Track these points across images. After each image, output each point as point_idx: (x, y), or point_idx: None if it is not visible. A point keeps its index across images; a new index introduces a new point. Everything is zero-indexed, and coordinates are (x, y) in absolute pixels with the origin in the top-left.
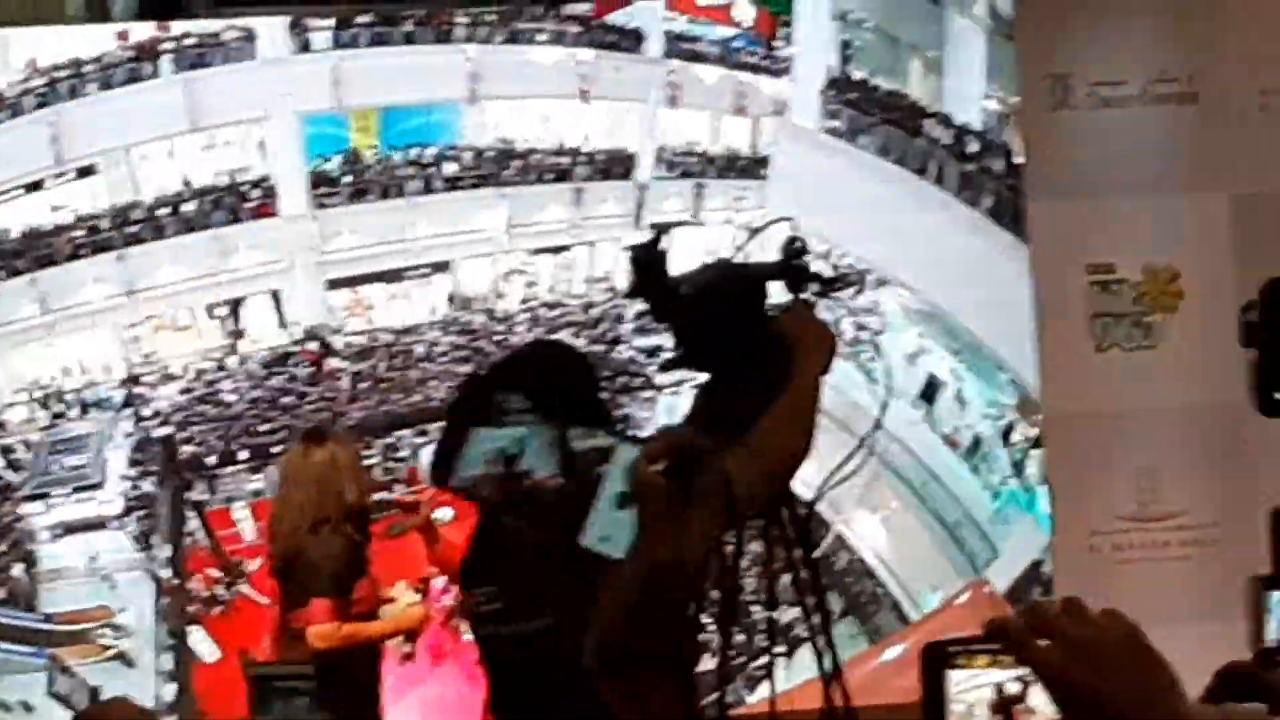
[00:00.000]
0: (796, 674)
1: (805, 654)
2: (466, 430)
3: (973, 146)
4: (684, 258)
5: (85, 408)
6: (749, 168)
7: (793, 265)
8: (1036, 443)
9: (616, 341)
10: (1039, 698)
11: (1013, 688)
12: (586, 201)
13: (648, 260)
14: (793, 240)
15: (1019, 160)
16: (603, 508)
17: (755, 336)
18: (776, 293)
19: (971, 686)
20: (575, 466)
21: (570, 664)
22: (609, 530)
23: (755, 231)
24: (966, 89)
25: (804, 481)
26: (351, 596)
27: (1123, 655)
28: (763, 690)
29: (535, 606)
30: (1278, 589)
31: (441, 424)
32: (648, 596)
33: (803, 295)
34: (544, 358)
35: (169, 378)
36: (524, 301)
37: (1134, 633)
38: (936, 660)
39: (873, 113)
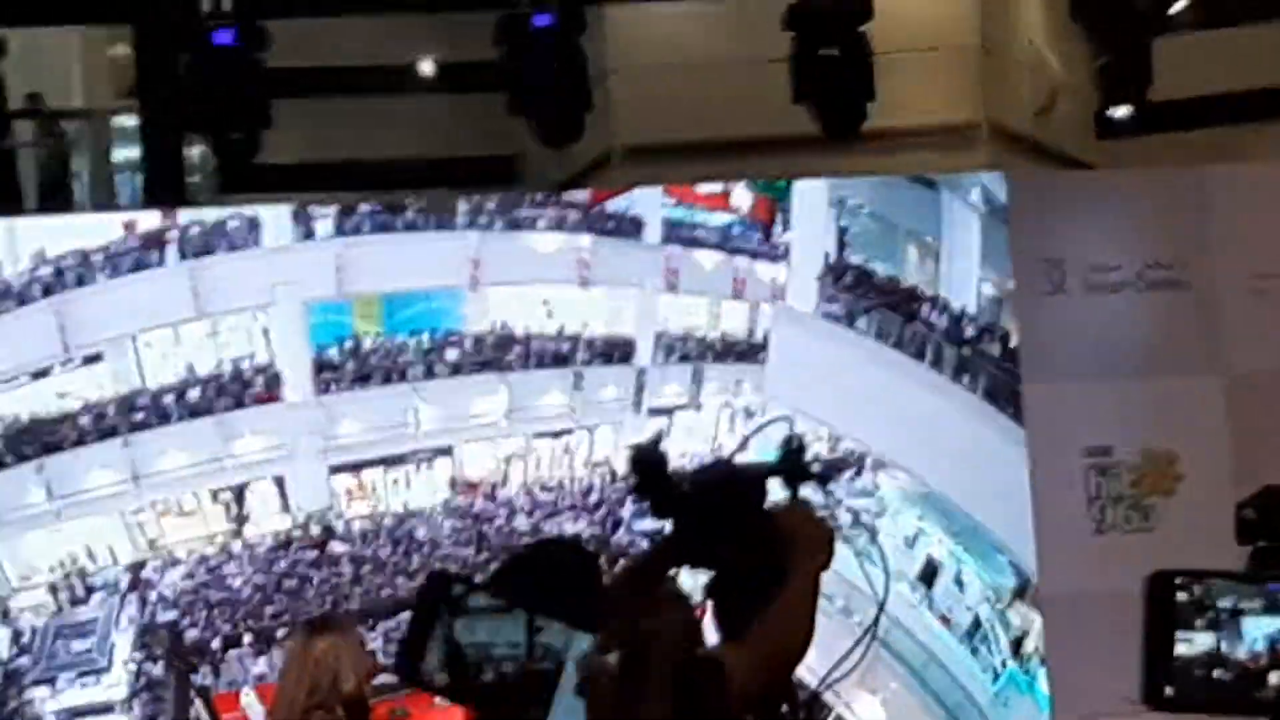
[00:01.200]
0: None
1: None
2: (433, 622)
3: (969, 330)
4: (683, 441)
5: (91, 593)
6: (747, 352)
7: (791, 463)
8: (1035, 625)
9: (617, 525)
10: None
11: None
12: (586, 386)
13: (649, 460)
14: (790, 439)
15: (1015, 344)
16: (563, 697)
17: (754, 534)
18: (776, 489)
19: None
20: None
21: None
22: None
23: (754, 431)
24: (962, 273)
25: (807, 668)
26: None
27: None
28: None
29: None
30: None
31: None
32: None
33: (801, 491)
34: (540, 555)
35: (174, 562)
36: (524, 485)
37: None
38: None
39: (870, 297)
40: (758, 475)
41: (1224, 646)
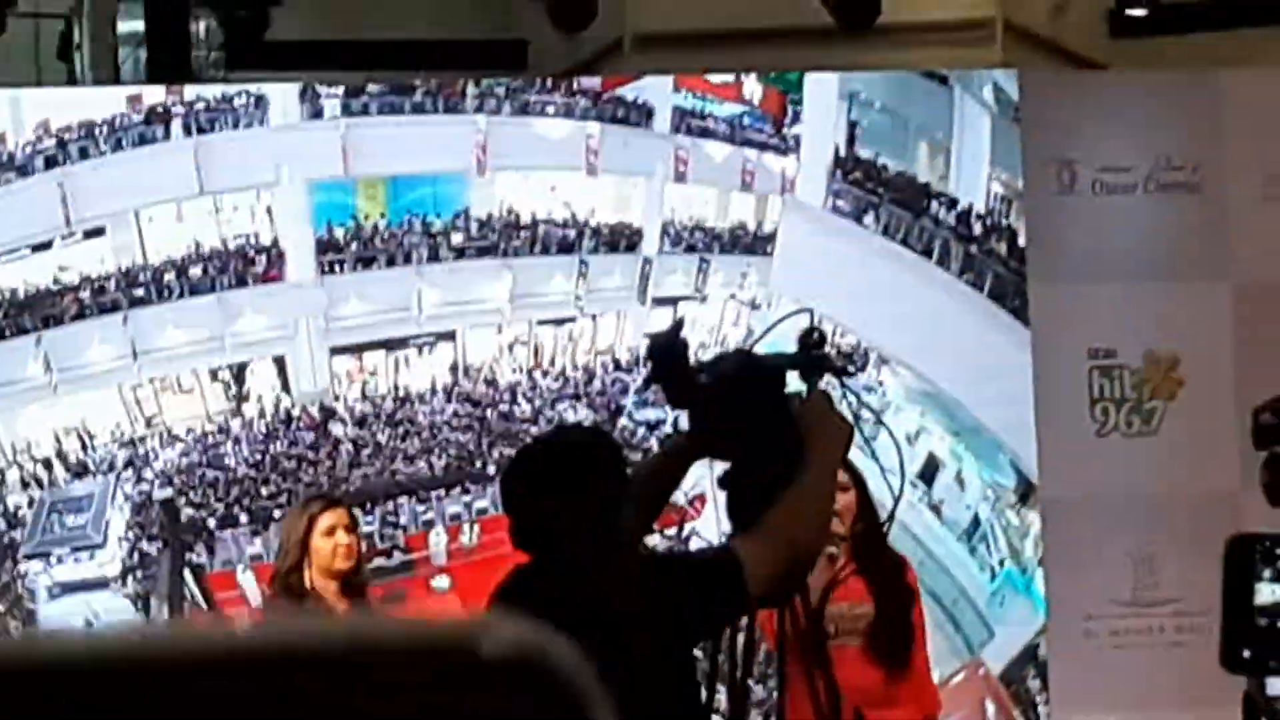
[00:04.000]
0: None
1: None
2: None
3: (977, 228)
4: (688, 332)
5: (87, 468)
6: (754, 244)
7: (811, 356)
8: (1034, 526)
9: (618, 414)
10: None
11: None
12: (591, 274)
13: (667, 348)
14: (811, 331)
15: (1023, 244)
16: None
17: (773, 426)
18: (794, 381)
19: None
20: None
21: None
22: None
23: (776, 322)
24: (972, 171)
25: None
26: None
27: None
28: None
29: None
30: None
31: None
32: None
33: (819, 384)
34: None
35: (171, 440)
36: (526, 372)
37: None
38: None
39: (879, 192)
40: (776, 366)
41: None
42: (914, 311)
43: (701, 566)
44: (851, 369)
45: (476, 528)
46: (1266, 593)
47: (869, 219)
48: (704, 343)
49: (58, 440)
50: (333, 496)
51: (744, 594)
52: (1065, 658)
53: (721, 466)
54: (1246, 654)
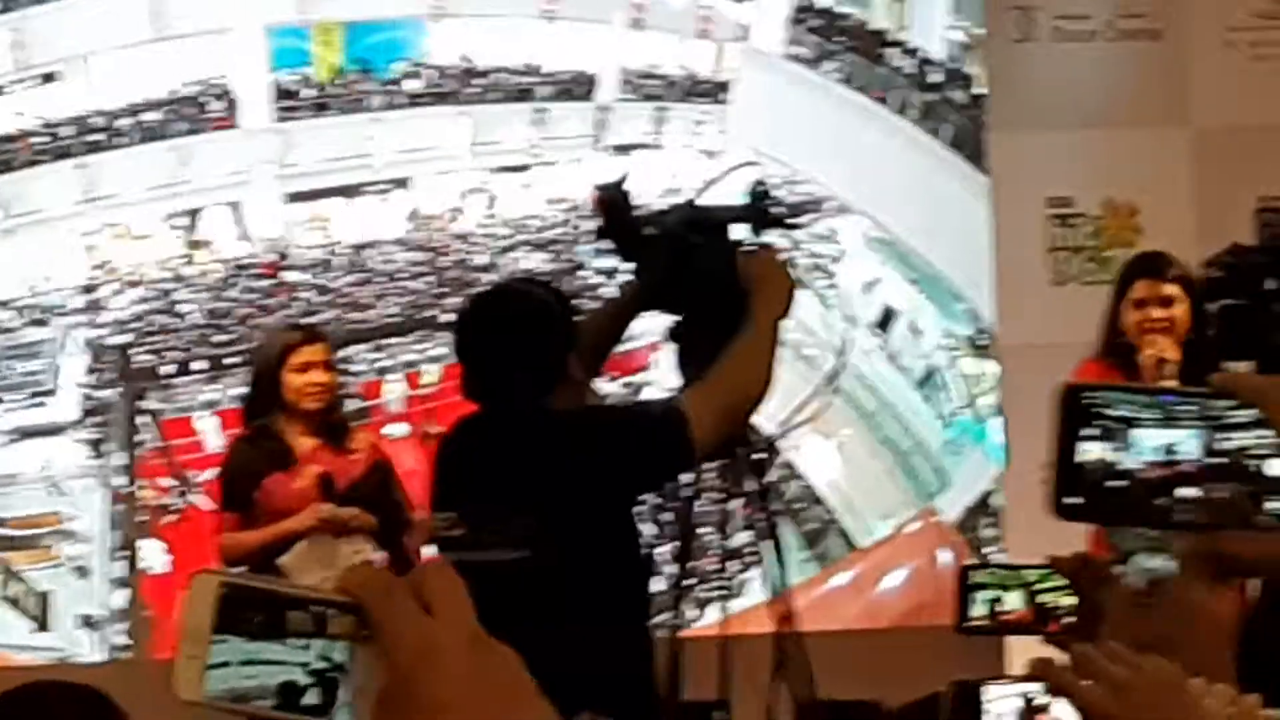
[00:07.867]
0: (747, 599)
1: (755, 580)
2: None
3: (935, 76)
4: (643, 181)
5: (42, 314)
6: (711, 92)
7: (757, 209)
8: (989, 376)
9: (574, 261)
10: (1065, 709)
11: (1041, 699)
12: (548, 121)
13: (613, 201)
14: (758, 184)
15: (981, 91)
16: None
17: (718, 279)
18: (740, 234)
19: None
20: None
21: (542, 601)
22: None
23: (721, 175)
24: (931, 18)
25: (765, 415)
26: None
27: (1158, 694)
28: (713, 613)
29: (506, 537)
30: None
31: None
32: None
33: (766, 237)
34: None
35: (127, 286)
36: (482, 220)
37: (1174, 678)
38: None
39: (836, 40)
40: (723, 219)
41: (1118, 455)
42: (872, 160)
43: (647, 419)
44: (798, 222)
45: (436, 369)
46: (1095, 450)
47: (827, 66)
48: (657, 190)
49: (12, 286)
50: (313, 329)
51: (689, 447)
52: (1021, 507)
53: (670, 319)
54: (1072, 501)
